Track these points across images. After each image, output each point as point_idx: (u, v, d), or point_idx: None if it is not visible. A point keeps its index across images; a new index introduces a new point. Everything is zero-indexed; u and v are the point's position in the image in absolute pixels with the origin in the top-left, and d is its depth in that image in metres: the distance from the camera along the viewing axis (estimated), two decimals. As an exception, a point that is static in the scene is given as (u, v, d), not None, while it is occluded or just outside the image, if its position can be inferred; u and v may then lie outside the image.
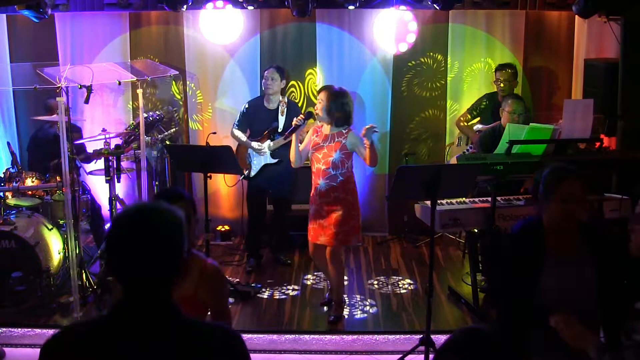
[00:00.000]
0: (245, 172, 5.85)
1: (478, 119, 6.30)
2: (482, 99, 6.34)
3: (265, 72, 5.80)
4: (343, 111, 4.75)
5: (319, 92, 4.93)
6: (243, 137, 5.86)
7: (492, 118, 5.99)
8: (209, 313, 2.94)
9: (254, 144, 5.78)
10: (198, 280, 2.81)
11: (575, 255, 2.95)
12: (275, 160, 5.80)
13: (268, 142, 5.78)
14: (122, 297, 1.70)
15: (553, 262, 2.92)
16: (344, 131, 4.78)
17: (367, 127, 4.57)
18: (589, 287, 2.92)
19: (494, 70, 6.31)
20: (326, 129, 4.83)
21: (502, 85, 6.07)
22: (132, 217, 1.70)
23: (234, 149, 5.95)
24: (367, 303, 5.28)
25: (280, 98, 5.84)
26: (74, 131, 5.76)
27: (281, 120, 5.78)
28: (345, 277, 5.51)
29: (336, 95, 4.78)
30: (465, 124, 6.36)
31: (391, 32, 6.42)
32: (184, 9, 5.93)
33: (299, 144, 4.97)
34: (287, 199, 6.15)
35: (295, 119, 5.00)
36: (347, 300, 5.23)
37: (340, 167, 4.76)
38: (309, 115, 5.09)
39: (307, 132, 5.05)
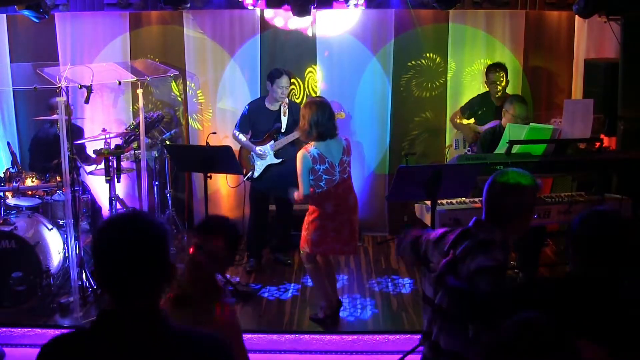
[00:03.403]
0: (249, 174, 5.84)
1: (472, 120, 6.28)
2: (474, 100, 6.30)
3: (278, 80, 5.67)
4: (303, 125, 4.66)
5: None
6: (245, 140, 5.84)
7: (493, 117, 5.96)
8: None
9: (257, 149, 5.77)
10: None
11: None
12: (279, 161, 5.78)
13: (271, 142, 5.77)
14: (109, 305, 1.71)
15: None
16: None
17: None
18: None
19: (483, 71, 6.28)
20: None
21: (496, 85, 6.05)
22: (115, 226, 1.72)
23: (236, 149, 5.95)
24: (367, 303, 5.28)
25: None
26: (75, 131, 5.76)
27: (284, 120, 5.77)
28: (345, 277, 5.50)
29: (302, 107, 4.78)
30: (459, 121, 6.35)
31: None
32: (187, 6, 5.91)
33: None
34: (290, 199, 6.13)
35: None
36: (337, 305, 5.00)
37: None
38: None
39: None
